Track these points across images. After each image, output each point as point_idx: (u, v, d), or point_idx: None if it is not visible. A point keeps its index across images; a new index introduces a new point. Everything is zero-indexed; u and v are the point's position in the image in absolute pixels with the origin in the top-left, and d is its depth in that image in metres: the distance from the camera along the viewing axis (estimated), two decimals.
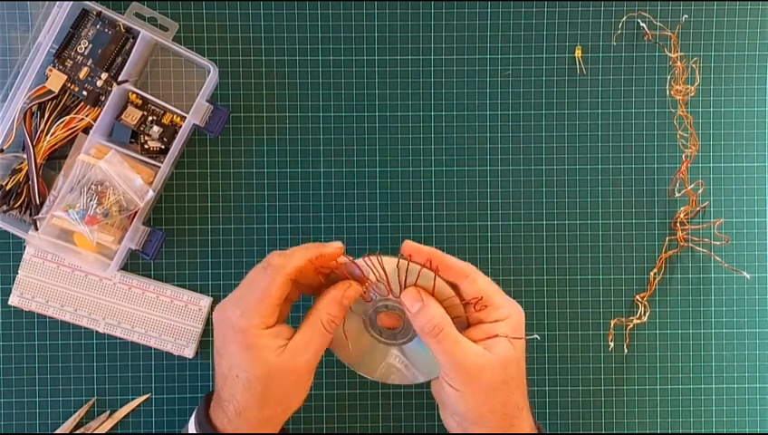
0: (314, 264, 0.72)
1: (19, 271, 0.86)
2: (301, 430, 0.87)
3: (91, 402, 0.86)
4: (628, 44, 0.87)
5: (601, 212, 0.88)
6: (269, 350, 0.70)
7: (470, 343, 0.71)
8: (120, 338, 0.86)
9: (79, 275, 0.86)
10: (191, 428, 0.74)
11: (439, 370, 0.73)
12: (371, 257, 0.72)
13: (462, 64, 0.87)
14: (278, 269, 0.71)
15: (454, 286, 0.74)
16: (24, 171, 0.82)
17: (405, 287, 0.73)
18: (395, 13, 0.86)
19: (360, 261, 0.73)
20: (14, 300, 0.86)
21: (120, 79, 0.82)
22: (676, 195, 0.87)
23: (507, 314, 0.72)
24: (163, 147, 0.83)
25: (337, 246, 0.73)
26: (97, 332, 0.86)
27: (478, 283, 0.73)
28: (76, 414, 0.86)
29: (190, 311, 0.86)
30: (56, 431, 0.86)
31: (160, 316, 0.86)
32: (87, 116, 0.82)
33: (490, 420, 0.71)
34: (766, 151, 0.88)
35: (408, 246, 0.73)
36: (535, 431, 0.74)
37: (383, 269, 0.73)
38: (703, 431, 0.89)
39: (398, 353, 0.77)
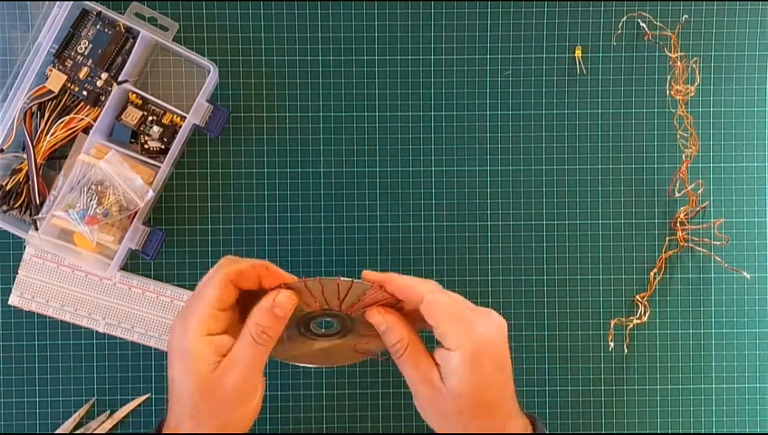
0: (259, 272, 0.69)
1: (19, 271, 0.86)
2: (300, 430, 0.87)
3: (90, 402, 0.86)
4: (629, 44, 0.87)
5: (601, 212, 0.88)
6: (204, 362, 0.66)
7: (427, 371, 0.68)
8: (119, 338, 0.86)
9: (79, 275, 0.86)
10: None
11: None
12: (309, 280, 0.69)
13: (462, 64, 0.87)
14: (218, 269, 0.69)
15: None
16: (24, 171, 0.82)
17: (343, 302, 0.71)
18: (395, 13, 0.86)
19: (297, 283, 0.70)
20: (14, 300, 0.86)
21: (120, 79, 0.82)
22: (676, 195, 0.87)
23: (458, 344, 0.67)
24: (163, 147, 0.83)
25: (284, 273, 0.70)
26: (97, 332, 0.86)
27: (433, 307, 0.68)
28: (76, 414, 0.86)
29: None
30: (56, 431, 0.86)
31: (160, 316, 0.86)
32: (87, 116, 0.82)
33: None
34: (766, 151, 0.88)
35: (366, 274, 0.70)
36: None
37: (321, 289, 0.69)
38: (703, 431, 0.89)
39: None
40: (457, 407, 0.68)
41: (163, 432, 0.69)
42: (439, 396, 0.68)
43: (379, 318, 0.70)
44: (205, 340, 0.67)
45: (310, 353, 0.77)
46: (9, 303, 0.86)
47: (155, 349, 0.87)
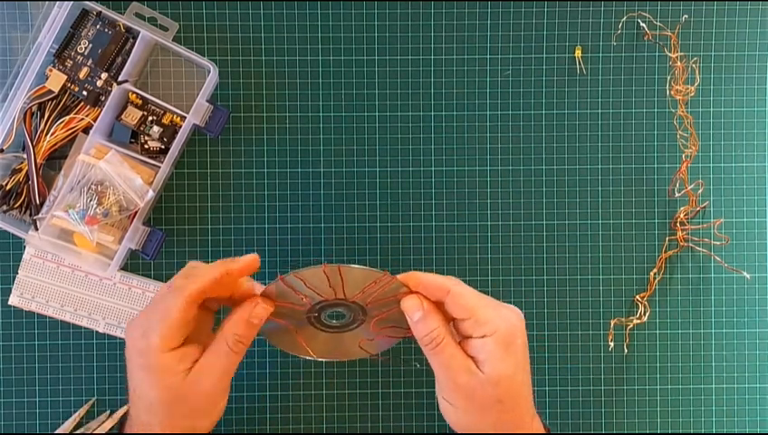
0: (222, 283, 0.69)
1: (19, 271, 0.86)
2: (300, 430, 0.87)
3: (90, 402, 0.86)
4: (629, 44, 0.87)
5: (601, 212, 0.88)
6: (171, 373, 0.67)
7: (465, 360, 0.69)
8: (120, 338, 0.86)
9: (79, 275, 0.86)
10: None
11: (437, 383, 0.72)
12: (285, 277, 0.69)
13: (462, 64, 0.87)
14: (180, 291, 0.67)
15: (439, 304, 0.71)
16: (24, 171, 0.82)
17: (345, 289, 0.71)
18: (395, 13, 0.86)
19: (272, 286, 0.70)
20: (13, 300, 0.86)
21: (119, 79, 0.82)
22: (676, 195, 0.87)
23: (494, 328, 0.68)
24: (163, 147, 0.83)
25: (247, 259, 0.70)
26: (97, 332, 0.86)
27: (463, 298, 0.69)
28: (76, 414, 0.86)
29: None
30: (56, 431, 0.86)
31: None
32: (87, 116, 0.82)
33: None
34: (766, 151, 0.88)
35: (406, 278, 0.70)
36: None
37: (303, 282, 0.69)
38: (703, 431, 0.89)
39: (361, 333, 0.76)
40: (496, 395, 0.68)
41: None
42: (478, 385, 0.68)
43: (416, 303, 0.69)
44: (170, 354, 0.67)
45: (315, 344, 0.76)
46: (9, 303, 0.86)
47: None
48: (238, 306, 0.70)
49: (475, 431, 0.71)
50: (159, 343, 0.66)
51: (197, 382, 0.67)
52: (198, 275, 0.68)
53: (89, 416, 0.86)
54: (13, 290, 0.86)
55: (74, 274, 0.86)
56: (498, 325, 0.68)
